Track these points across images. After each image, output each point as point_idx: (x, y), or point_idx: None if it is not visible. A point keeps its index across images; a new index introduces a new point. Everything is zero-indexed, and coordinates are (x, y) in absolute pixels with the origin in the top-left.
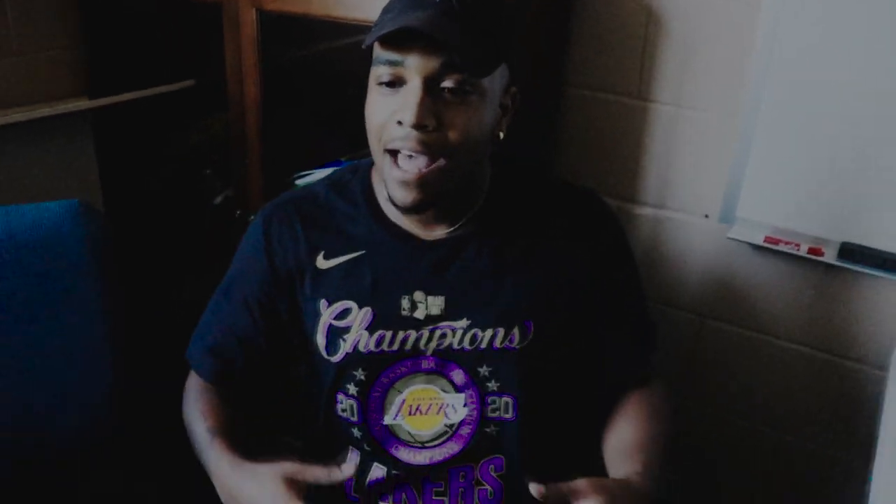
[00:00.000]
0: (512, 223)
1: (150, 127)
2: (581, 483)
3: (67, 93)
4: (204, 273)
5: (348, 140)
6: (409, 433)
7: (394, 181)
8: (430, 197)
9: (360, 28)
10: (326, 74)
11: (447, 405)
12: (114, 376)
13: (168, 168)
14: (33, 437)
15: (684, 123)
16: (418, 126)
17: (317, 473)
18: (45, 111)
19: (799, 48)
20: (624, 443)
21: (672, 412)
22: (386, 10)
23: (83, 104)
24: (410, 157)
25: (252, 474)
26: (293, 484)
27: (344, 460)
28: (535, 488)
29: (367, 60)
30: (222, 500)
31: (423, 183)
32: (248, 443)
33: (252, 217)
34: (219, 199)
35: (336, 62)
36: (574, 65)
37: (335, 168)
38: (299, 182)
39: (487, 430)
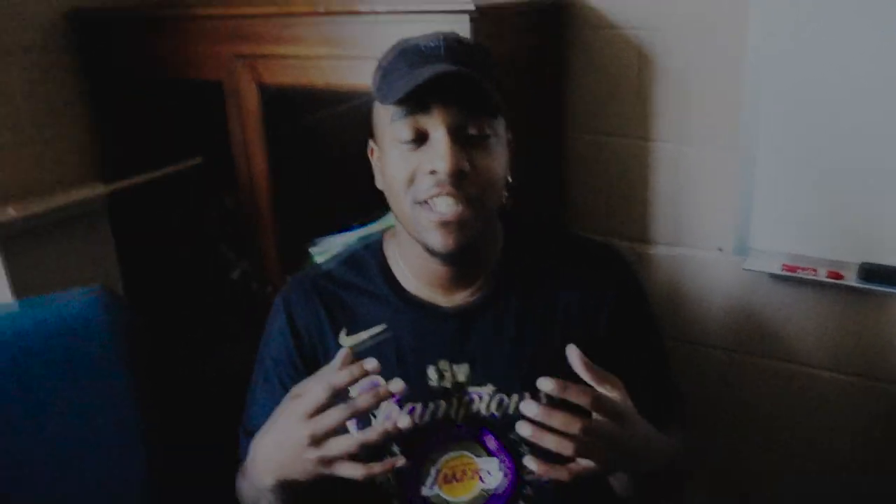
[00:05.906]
0: (529, 282)
1: (162, 207)
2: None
3: (81, 179)
4: (228, 350)
5: (359, 205)
6: (447, 501)
7: (431, 225)
8: (467, 239)
9: (359, 94)
10: (331, 141)
11: (482, 470)
12: (147, 465)
13: (183, 247)
14: None
15: (688, 159)
16: (454, 173)
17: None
18: (61, 200)
19: (789, 71)
20: None
21: (683, 458)
22: (389, 70)
23: (99, 189)
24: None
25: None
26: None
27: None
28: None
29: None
30: (266, 483)
31: (461, 223)
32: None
33: (270, 289)
34: (236, 274)
35: (339, 128)
36: (575, 110)
37: (347, 233)
38: (314, 250)
39: (524, 491)
